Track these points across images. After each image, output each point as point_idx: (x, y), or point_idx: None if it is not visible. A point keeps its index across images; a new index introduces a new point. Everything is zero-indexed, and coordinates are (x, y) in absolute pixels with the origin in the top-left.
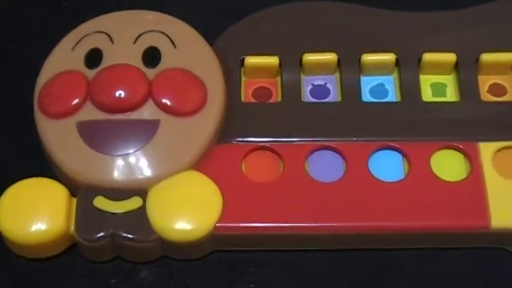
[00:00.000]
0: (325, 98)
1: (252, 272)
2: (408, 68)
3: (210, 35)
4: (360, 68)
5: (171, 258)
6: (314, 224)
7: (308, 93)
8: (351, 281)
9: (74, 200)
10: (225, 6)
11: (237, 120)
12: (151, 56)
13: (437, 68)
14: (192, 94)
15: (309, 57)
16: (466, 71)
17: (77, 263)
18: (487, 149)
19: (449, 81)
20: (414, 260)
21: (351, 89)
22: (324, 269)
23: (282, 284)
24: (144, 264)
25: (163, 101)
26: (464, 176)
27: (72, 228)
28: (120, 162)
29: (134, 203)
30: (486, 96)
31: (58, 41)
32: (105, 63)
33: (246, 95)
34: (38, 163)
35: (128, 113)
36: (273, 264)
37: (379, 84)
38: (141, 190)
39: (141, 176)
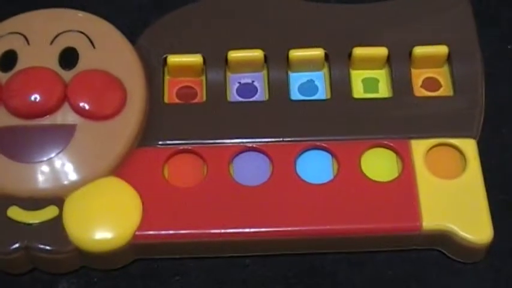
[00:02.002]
0: (252, 96)
1: (176, 280)
2: (338, 64)
3: (135, 33)
4: (288, 65)
5: (92, 269)
6: (239, 230)
7: (234, 91)
8: (281, 287)
9: None
10: (152, 3)
11: (159, 123)
12: (69, 57)
13: (369, 63)
14: (110, 96)
15: (234, 55)
16: (399, 65)
17: None
18: (419, 147)
19: (381, 76)
20: (344, 264)
21: (279, 87)
22: (251, 276)
23: None
24: (64, 276)
25: (80, 104)
26: (396, 175)
27: None
28: (34, 170)
29: (50, 212)
30: (420, 91)
31: None
32: (19, 66)
33: (170, 95)
34: None
35: (42, 118)
36: (197, 271)
37: (309, 80)
38: (57, 199)
39: (56, 184)
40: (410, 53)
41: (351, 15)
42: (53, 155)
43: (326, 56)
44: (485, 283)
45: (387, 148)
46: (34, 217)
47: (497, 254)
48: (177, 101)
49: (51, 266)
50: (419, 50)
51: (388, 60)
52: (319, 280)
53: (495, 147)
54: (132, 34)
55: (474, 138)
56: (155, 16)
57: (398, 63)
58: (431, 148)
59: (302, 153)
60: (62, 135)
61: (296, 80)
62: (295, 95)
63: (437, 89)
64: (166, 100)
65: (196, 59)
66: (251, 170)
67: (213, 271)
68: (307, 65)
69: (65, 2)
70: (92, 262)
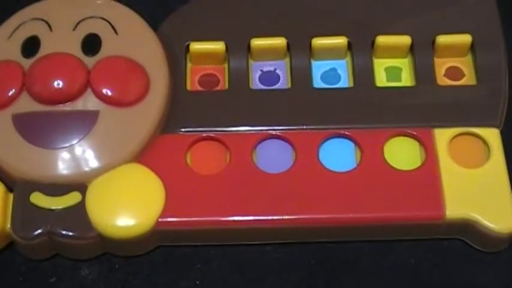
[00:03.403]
0: (274, 84)
1: (197, 267)
2: (361, 52)
3: (157, 20)
4: (310, 53)
5: (113, 255)
6: (262, 217)
7: (257, 79)
8: (301, 275)
9: (11, 196)
10: None
11: (181, 110)
12: (92, 44)
13: (392, 52)
14: (133, 83)
15: (257, 42)
16: (422, 54)
17: (14, 261)
18: (442, 136)
19: (404, 65)
20: (366, 252)
21: (302, 75)
22: (273, 264)
23: (229, 280)
24: (85, 262)
25: (103, 90)
26: (419, 164)
27: (9, 225)
28: (57, 156)
29: (73, 198)
30: (443, 80)
31: None
32: (42, 52)
33: (192, 82)
34: None
35: (65, 104)
36: (219, 259)
37: (332, 69)
38: (79, 185)
39: (79, 170)
40: (433, 42)
41: (374, 3)
42: (75, 141)
43: (349, 44)
44: (508, 272)
45: (410, 137)
46: (57, 203)
47: None
48: (199, 88)
49: (73, 252)
50: (442, 39)
51: (411, 49)
52: (341, 268)
53: None
54: (153, 21)
55: (497, 127)
56: (176, 3)
57: (422, 52)
58: (454, 137)
59: (325, 141)
60: (85, 122)
61: (318, 68)
62: (318, 83)
63: (461, 78)
64: (188, 87)
65: (218, 46)
66: (274, 158)
67: (234, 258)
68: (330, 53)
69: None
70: (114, 248)
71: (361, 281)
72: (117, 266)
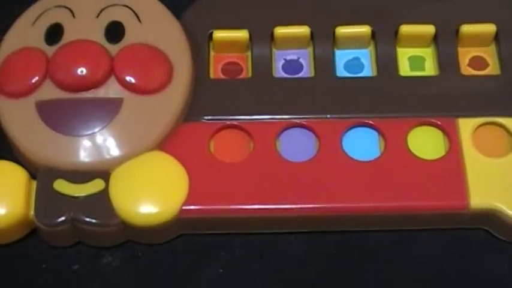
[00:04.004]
0: (297, 73)
1: (221, 255)
2: (385, 41)
3: (180, 8)
4: (334, 42)
5: (136, 243)
6: (285, 206)
7: (280, 68)
8: (324, 264)
9: (34, 183)
10: None
11: (204, 98)
12: (115, 31)
13: (416, 41)
14: (156, 71)
15: (281, 31)
16: (446, 44)
17: (37, 248)
18: (466, 125)
19: (427, 54)
20: (389, 241)
21: (325, 64)
22: (295, 252)
23: (251, 268)
24: (108, 249)
25: (126, 78)
26: (442, 153)
27: (32, 212)
28: (80, 143)
29: (96, 185)
30: (466, 70)
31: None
32: (65, 39)
33: (215, 70)
34: None
35: (89, 91)
36: (242, 247)
37: (355, 58)
38: (103, 172)
39: (103, 158)
40: (457, 31)
41: None
42: (99, 128)
43: (372, 33)
44: None
45: (434, 126)
46: (80, 190)
47: None
48: (222, 76)
49: (96, 239)
50: (466, 28)
51: (435, 38)
52: (363, 257)
53: None
54: (175, 9)
55: None
56: None
57: (445, 41)
58: (478, 127)
59: (348, 130)
60: (109, 109)
61: (342, 57)
62: (341, 72)
63: (485, 68)
64: (211, 75)
65: (242, 34)
66: (297, 146)
67: (256, 247)
68: (354, 42)
69: None
70: (136, 236)
71: (383, 271)
72: (139, 254)
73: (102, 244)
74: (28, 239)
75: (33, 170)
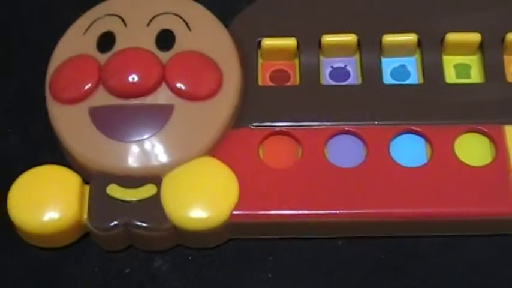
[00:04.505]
0: (344, 80)
1: (269, 260)
2: (431, 49)
3: (226, 17)
4: (380, 49)
5: (186, 247)
6: (334, 211)
7: (327, 75)
8: (371, 269)
9: (87, 188)
10: None
11: (253, 104)
12: (165, 39)
13: (461, 49)
14: (206, 78)
15: (328, 39)
16: (491, 51)
17: (89, 252)
18: None
19: (473, 62)
20: (436, 247)
21: (372, 71)
22: (343, 257)
23: (301, 273)
24: (159, 253)
25: (177, 85)
26: (489, 160)
27: (85, 216)
28: (133, 148)
29: (148, 190)
30: None
31: (70, 24)
32: (117, 47)
33: (263, 78)
34: (51, 151)
35: (141, 98)
36: (290, 252)
37: (401, 65)
38: (155, 177)
39: (155, 163)
40: (503, 39)
41: (443, 0)
42: (150, 134)
43: (419, 41)
44: None
45: (481, 133)
46: (133, 195)
47: None
48: (270, 83)
49: (148, 244)
50: None
51: (481, 46)
52: (410, 263)
53: None
54: (224, 18)
55: None
56: (244, 1)
57: (491, 49)
58: None
59: (396, 136)
60: (160, 115)
61: (388, 65)
62: (388, 79)
63: None
64: (260, 83)
65: (290, 42)
66: (345, 153)
67: (304, 251)
68: (400, 50)
69: None
70: (187, 240)
71: (430, 277)
72: (190, 258)
73: (154, 248)
74: (81, 243)
75: (86, 175)
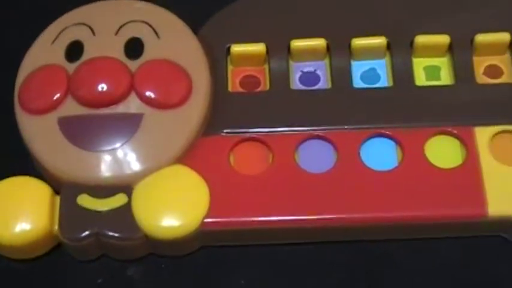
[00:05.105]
0: (315, 85)
1: (242, 267)
2: (400, 52)
3: (196, 23)
4: (350, 53)
5: (159, 256)
6: (304, 217)
7: (297, 80)
8: (344, 273)
9: (58, 199)
10: None
11: (224, 111)
12: (134, 47)
13: (431, 51)
14: (176, 86)
15: (297, 44)
16: (461, 53)
17: (62, 262)
18: (483, 134)
19: (443, 64)
20: (408, 250)
21: (342, 75)
22: (316, 262)
23: (274, 279)
24: (132, 262)
25: (147, 93)
26: (460, 162)
27: (56, 227)
28: (103, 158)
29: (119, 200)
30: (482, 79)
31: (39, 34)
32: (86, 56)
33: (234, 84)
34: (22, 161)
35: (110, 107)
36: (264, 258)
37: (371, 69)
38: (125, 186)
39: (125, 172)
40: (472, 41)
41: (412, 3)
42: (120, 143)
43: (388, 44)
44: None
45: (451, 135)
46: (103, 204)
47: None
48: (240, 89)
49: (120, 253)
50: (481, 38)
51: (450, 47)
52: (383, 266)
53: None
54: (194, 24)
55: None
56: (215, 6)
57: (461, 51)
58: (495, 135)
59: (366, 140)
60: (130, 124)
61: (358, 68)
62: (358, 83)
63: (499, 76)
64: (230, 89)
65: (259, 48)
66: (316, 158)
67: (276, 257)
68: (370, 53)
69: None
70: (159, 249)
71: (402, 280)
72: (162, 266)
73: (126, 257)
74: (53, 253)
75: (57, 186)
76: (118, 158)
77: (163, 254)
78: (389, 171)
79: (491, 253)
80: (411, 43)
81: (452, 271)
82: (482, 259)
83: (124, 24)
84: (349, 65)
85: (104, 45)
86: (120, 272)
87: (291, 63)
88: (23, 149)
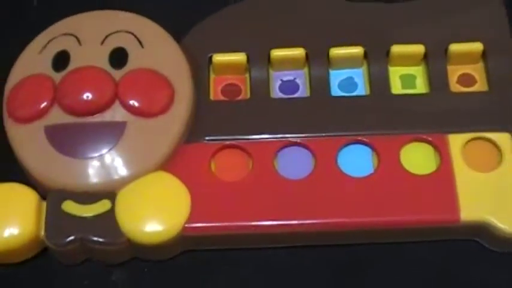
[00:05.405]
0: (294, 93)
1: (224, 270)
2: (377, 61)
3: (181, 33)
4: (328, 62)
5: (142, 260)
6: (283, 222)
7: (277, 89)
8: (323, 277)
9: (44, 205)
10: (200, 3)
11: (205, 119)
12: (119, 57)
13: (406, 60)
14: (158, 94)
15: (277, 53)
16: (435, 62)
17: (48, 266)
18: (456, 141)
19: (418, 73)
20: (385, 254)
21: (320, 84)
22: (296, 266)
23: (255, 281)
24: (116, 266)
25: (130, 102)
26: (434, 168)
27: (43, 232)
28: (87, 165)
29: (103, 206)
30: (455, 87)
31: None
32: (72, 65)
33: (215, 92)
34: (10, 167)
35: (94, 116)
36: (245, 261)
37: (348, 77)
38: (109, 193)
39: (109, 179)
40: (446, 50)
41: (388, 13)
42: (105, 151)
43: (365, 53)
44: None
45: (425, 142)
46: (88, 210)
47: None
48: (222, 98)
49: (104, 257)
50: (455, 47)
51: (425, 57)
52: (359, 270)
53: None
54: (177, 34)
55: (509, 132)
56: (198, 16)
57: (435, 60)
58: (468, 142)
59: (343, 147)
60: (114, 132)
61: (336, 77)
62: (336, 91)
63: (473, 85)
64: (212, 97)
65: (240, 57)
66: (294, 164)
67: (258, 260)
68: (347, 62)
69: (113, 4)
70: (142, 253)
71: (380, 283)
72: (146, 270)
73: (110, 261)
74: (40, 257)
75: (44, 192)
76: (102, 165)
77: (147, 258)
78: (365, 178)
79: (467, 257)
80: (387, 52)
81: (430, 274)
82: (458, 263)
83: (109, 35)
84: (328, 73)
85: (89, 55)
86: (105, 276)
87: (271, 72)
88: (11, 155)
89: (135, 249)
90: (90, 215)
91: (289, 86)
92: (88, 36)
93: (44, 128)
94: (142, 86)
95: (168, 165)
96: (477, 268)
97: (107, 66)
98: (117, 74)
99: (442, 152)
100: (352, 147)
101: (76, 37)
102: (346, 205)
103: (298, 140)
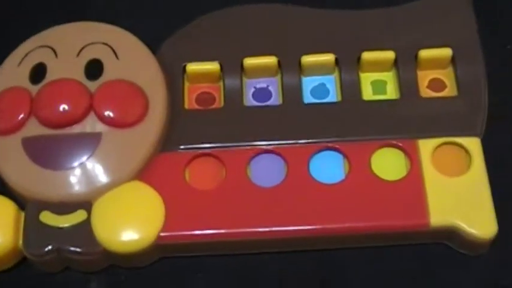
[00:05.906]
0: (267, 100)
1: (199, 276)
2: (348, 67)
3: (156, 44)
4: (300, 69)
5: (120, 267)
6: (256, 229)
7: (251, 96)
8: (299, 283)
9: (23, 215)
10: (175, 13)
11: (180, 128)
12: (94, 68)
13: (377, 66)
14: (133, 105)
15: (250, 61)
16: (405, 68)
17: (27, 275)
18: (426, 146)
19: (389, 78)
20: (357, 259)
21: (292, 91)
22: (271, 272)
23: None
24: (95, 274)
25: (105, 113)
26: (404, 174)
27: (21, 242)
28: (64, 176)
29: (79, 216)
30: (426, 92)
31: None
32: (48, 78)
33: (190, 101)
34: None
35: (71, 127)
36: (220, 268)
37: (320, 84)
38: (85, 203)
39: (84, 189)
40: (416, 56)
41: (359, 21)
42: (80, 162)
43: (336, 60)
44: (489, 273)
45: (396, 148)
46: (64, 221)
47: (501, 246)
48: (196, 106)
49: (82, 266)
50: (424, 53)
51: (395, 63)
52: (334, 275)
53: (498, 145)
54: (153, 44)
55: (478, 136)
56: (174, 27)
57: (405, 66)
58: (437, 147)
59: (315, 154)
60: (89, 143)
61: (308, 83)
62: (308, 98)
63: (443, 90)
64: (186, 106)
65: (213, 66)
66: (267, 172)
67: (233, 267)
68: (319, 69)
69: (91, 15)
70: (119, 261)
71: (353, 286)
72: (123, 278)
73: (88, 269)
74: (19, 266)
75: (22, 203)
76: (78, 175)
77: (124, 266)
78: (336, 184)
79: (437, 260)
80: (358, 59)
81: (403, 278)
82: (428, 266)
83: (85, 46)
84: (300, 80)
85: (65, 67)
86: (84, 283)
87: (245, 79)
88: None
89: (111, 257)
90: (67, 225)
91: (263, 94)
92: (64, 48)
93: (21, 140)
94: (116, 97)
95: (143, 174)
96: (447, 271)
97: (83, 78)
98: (93, 85)
99: (412, 158)
100: (323, 153)
101: (53, 49)
102: (318, 212)
103: (271, 148)
